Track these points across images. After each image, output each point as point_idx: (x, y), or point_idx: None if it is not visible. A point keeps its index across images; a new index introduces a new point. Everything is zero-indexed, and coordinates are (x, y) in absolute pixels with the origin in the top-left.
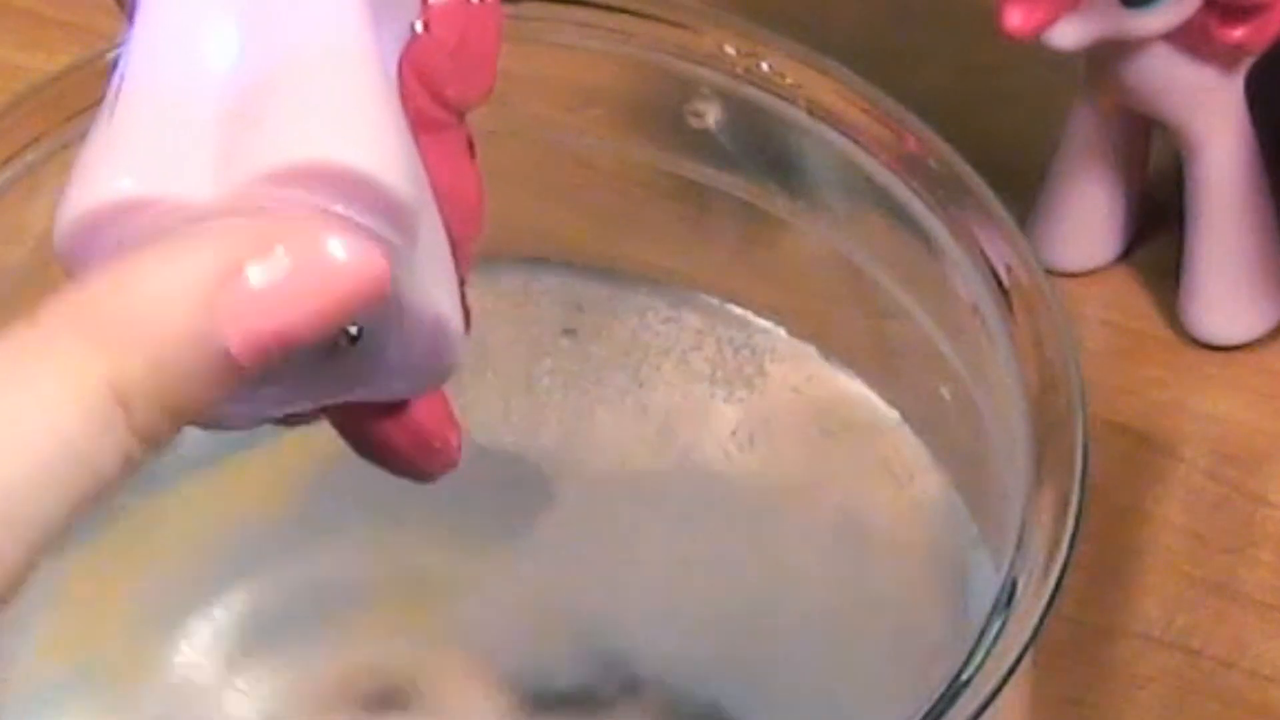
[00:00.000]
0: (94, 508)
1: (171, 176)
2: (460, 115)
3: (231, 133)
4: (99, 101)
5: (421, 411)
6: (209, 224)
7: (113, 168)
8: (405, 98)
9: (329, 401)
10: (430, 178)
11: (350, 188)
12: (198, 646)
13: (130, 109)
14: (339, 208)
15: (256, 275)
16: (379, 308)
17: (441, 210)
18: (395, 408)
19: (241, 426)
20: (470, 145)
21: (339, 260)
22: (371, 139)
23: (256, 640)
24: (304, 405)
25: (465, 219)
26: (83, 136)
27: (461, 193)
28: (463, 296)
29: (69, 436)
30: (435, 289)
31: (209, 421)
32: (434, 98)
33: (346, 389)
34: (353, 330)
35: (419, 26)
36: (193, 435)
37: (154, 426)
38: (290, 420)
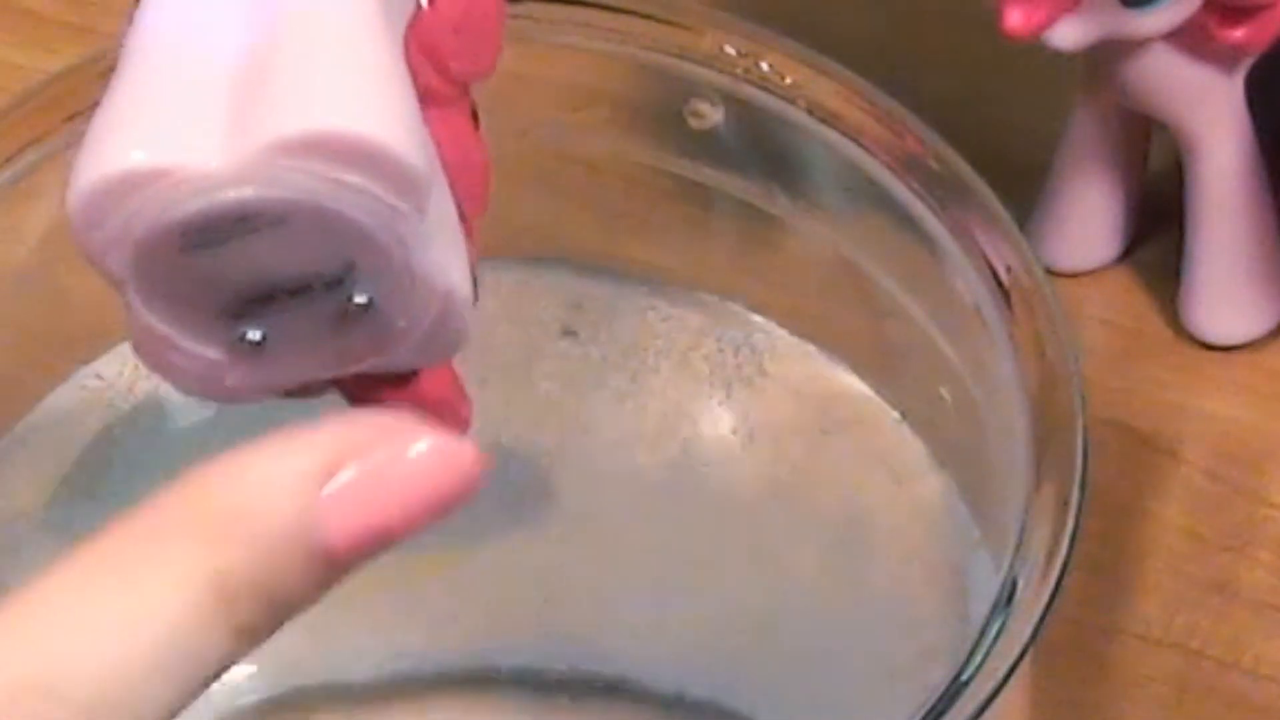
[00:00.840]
0: (198, 696)
1: (182, 147)
2: (465, 89)
3: (241, 104)
4: (99, 102)
5: (431, 384)
6: (315, 424)
7: (123, 139)
8: (411, 72)
9: (339, 373)
10: (438, 151)
11: (361, 158)
12: None
13: (139, 80)
14: (350, 177)
15: (358, 473)
16: (390, 278)
17: (450, 182)
18: (405, 380)
19: (252, 398)
20: (474, 118)
21: (435, 458)
22: (381, 109)
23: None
24: (314, 376)
25: (473, 191)
26: (83, 136)
27: (468, 165)
28: (472, 267)
29: (176, 631)
30: (445, 258)
31: (222, 394)
32: (439, 72)
33: (357, 359)
34: (362, 299)
35: (424, 1)
36: (194, 435)
37: (254, 622)
38: (300, 393)
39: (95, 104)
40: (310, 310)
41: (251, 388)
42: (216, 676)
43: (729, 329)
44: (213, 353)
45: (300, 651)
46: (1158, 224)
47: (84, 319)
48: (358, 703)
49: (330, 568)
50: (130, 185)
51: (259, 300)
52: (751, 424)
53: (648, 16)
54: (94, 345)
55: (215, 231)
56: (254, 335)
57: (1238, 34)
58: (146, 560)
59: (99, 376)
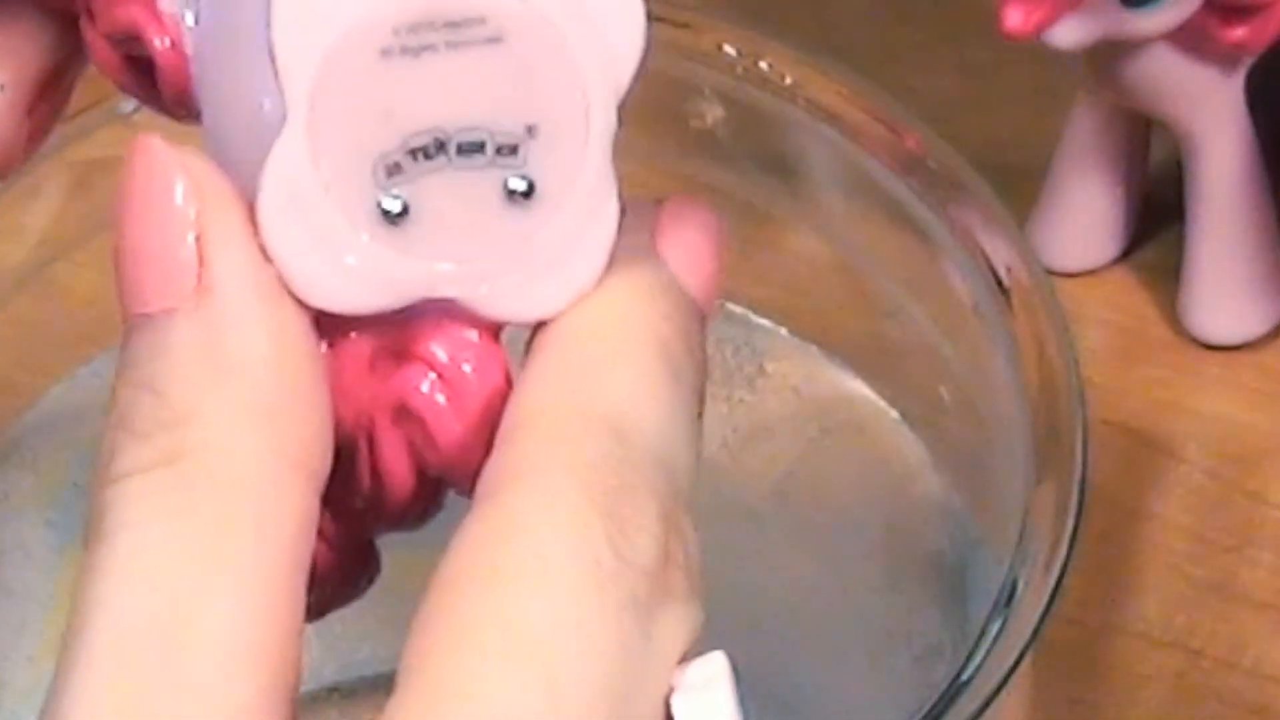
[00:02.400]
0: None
1: None
2: None
3: None
4: (99, 101)
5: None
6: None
7: None
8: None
9: (463, 291)
10: None
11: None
12: None
13: None
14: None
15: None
16: (565, 161)
17: None
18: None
19: (357, 309)
20: None
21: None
22: None
23: None
24: (433, 291)
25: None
26: (83, 136)
27: None
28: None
29: (666, 394)
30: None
31: (327, 299)
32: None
33: (507, 265)
34: (523, 184)
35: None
36: None
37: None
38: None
39: (95, 104)
40: (467, 182)
41: (367, 282)
42: (697, 445)
43: (729, 329)
44: (347, 215)
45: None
46: (1158, 224)
47: (84, 319)
48: (359, 703)
49: (700, 322)
50: None
51: (421, 155)
52: (751, 424)
53: (648, 16)
54: (94, 345)
55: (426, 31)
56: (393, 204)
57: (1238, 34)
58: (612, 350)
59: (99, 376)
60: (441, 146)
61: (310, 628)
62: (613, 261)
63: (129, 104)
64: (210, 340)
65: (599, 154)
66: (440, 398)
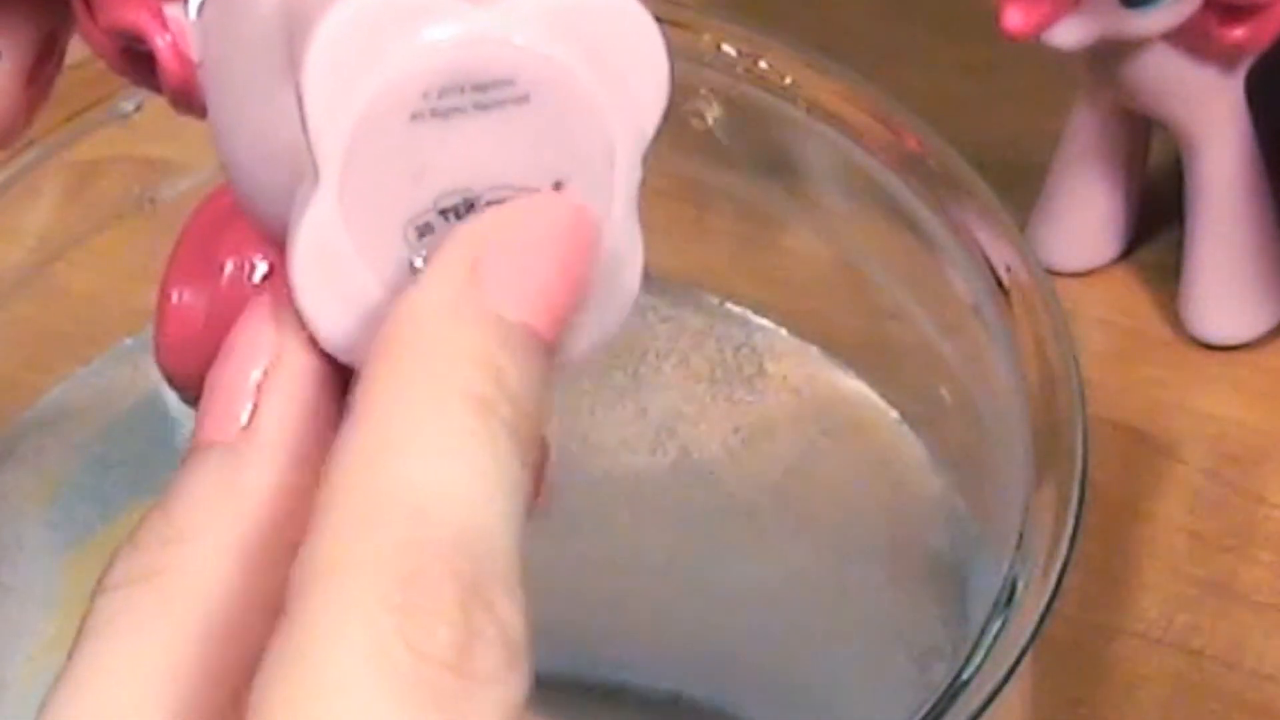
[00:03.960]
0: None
1: None
2: None
3: None
4: (99, 101)
5: None
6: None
7: None
8: None
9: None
10: None
11: (632, 40)
12: None
13: None
14: (614, 58)
15: (501, 259)
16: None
17: None
18: None
19: None
20: None
21: (556, 215)
22: None
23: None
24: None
25: None
26: (83, 136)
27: None
28: None
29: (475, 461)
30: (635, 224)
31: (355, 355)
32: None
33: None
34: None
35: None
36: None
37: (527, 432)
38: None
39: (95, 104)
40: None
41: None
42: (526, 491)
43: (729, 329)
44: (380, 277)
45: None
46: (1158, 224)
47: (84, 319)
48: None
49: (539, 352)
50: (394, 17)
51: (452, 214)
52: (751, 424)
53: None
54: (94, 345)
55: (455, 95)
56: (425, 264)
57: (1238, 34)
58: (413, 416)
59: (99, 376)
60: (471, 206)
61: None
62: (424, 293)
63: (129, 104)
64: (229, 473)
65: (625, 203)
66: None
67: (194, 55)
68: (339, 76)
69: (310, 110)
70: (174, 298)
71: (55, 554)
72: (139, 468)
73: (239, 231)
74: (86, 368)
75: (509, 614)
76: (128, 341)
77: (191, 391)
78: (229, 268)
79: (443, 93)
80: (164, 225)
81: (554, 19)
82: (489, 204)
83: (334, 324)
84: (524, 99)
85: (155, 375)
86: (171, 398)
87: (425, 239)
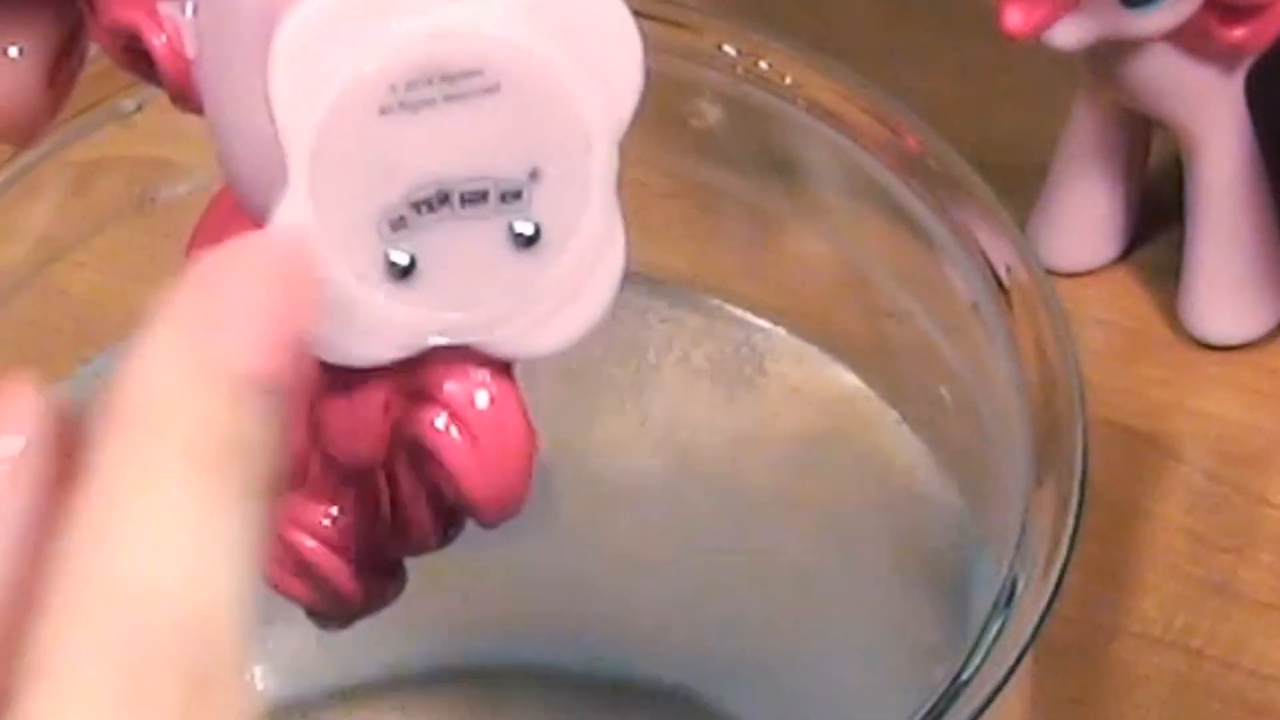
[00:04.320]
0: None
1: None
2: None
3: None
4: (99, 101)
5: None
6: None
7: None
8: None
9: (473, 337)
10: None
11: (604, 35)
12: None
13: None
14: (589, 44)
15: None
16: (568, 201)
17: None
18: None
19: (369, 362)
20: None
21: (264, 254)
22: None
23: (251, 640)
24: (446, 335)
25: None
26: (82, 136)
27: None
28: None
29: (197, 525)
30: (615, 216)
31: (341, 354)
32: None
33: (516, 308)
34: (529, 227)
35: None
36: None
37: (248, 476)
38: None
39: (95, 104)
40: (472, 231)
41: (378, 335)
42: (254, 542)
43: (729, 329)
44: (355, 272)
45: (304, 654)
46: (1158, 224)
47: (84, 319)
48: (360, 704)
49: (269, 395)
50: (358, 11)
51: (425, 207)
52: (751, 424)
53: (648, 16)
54: (94, 345)
55: (423, 87)
56: (400, 258)
57: (1238, 34)
58: (136, 488)
59: (99, 376)
60: (445, 198)
61: (310, 632)
62: (149, 352)
63: (129, 104)
64: None
65: (602, 192)
66: (455, 434)
67: (189, 53)
68: (305, 73)
69: (278, 107)
70: None
71: None
72: None
73: (249, 220)
74: (86, 368)
75: (231, 704)
76: (128, 342)
77: None
78: None
79: (411, 85)
80: (164, 225)
81: (523, 7)
82: (463, 195)
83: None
84: (494, 89)
85: None
86: None
87: (400, 232)
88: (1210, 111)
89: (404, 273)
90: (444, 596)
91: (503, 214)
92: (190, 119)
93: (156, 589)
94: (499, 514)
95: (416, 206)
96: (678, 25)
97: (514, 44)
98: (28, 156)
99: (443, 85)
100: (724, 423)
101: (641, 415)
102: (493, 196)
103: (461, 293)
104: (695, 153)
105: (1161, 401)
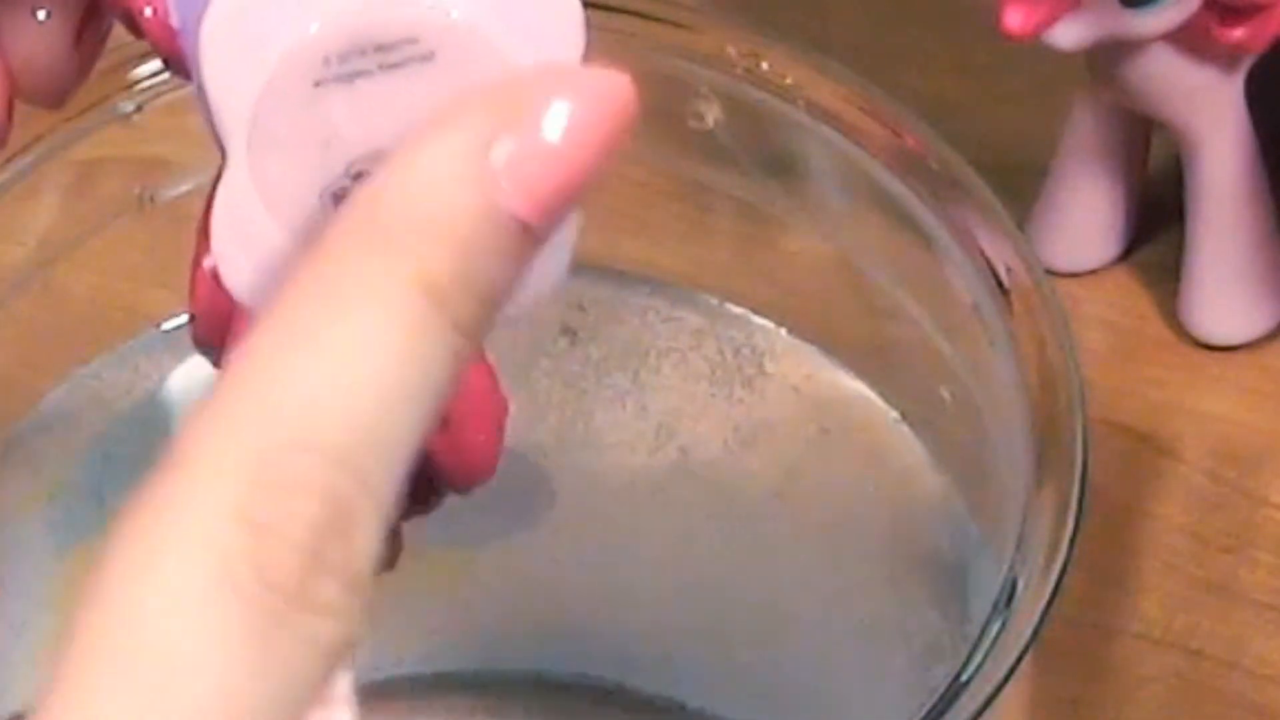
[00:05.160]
0: (441, 411)
1: None
2: None
3: None
4: (99, 101)
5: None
6: (452, 102)
7: None
8: None
9: None
10: None
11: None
12: None
13: None
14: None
15: (525, 135)
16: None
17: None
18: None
19: None
20: None
21: (589, 101)
22: None
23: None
24: None
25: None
26: (83, 136)
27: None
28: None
29: (402, 348)
30: None
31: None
32: None
33: None
34: None
35: None
36: None
37: (472, 315)
38: None
39: (95, 104)
40: None
41: None
42: (448, 393)
43: (729, 329)
44: (301, 246)
45: None
46: (1158, 224)
47: (84, 319)
48: (361, 705)
49: (529, 239)
50: None
51: (365, 179)
52: (751, 424)
53: (648, 16)
54: (94, 345)
55: (357, 58)
56: None
57: (1238, 34)
58: (347, 289)
59: (99, 376)
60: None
61: None
62: (414, 145)
63: (129, 104)
64: None
65: None
66: None
67: (174, 23)
68: (236, 49)
69: (210, 84)
70: (204, 264)
71: (55, 554)
72: (139, 468)
73: None
74: (86, 368)
75: (363, 547)
76: (128, 342)
77: (216, 357)
78: None
79: (344, 57)
80: (164, 225)
81: None
82: None
83: (255, 293)
84: (429, 57)
85: (155, 376)
86: (172, 397)
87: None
88: (1210, 111)
89: None
90: (443, 598)
91: None
92: (190, 119)
93: (316, 404)
94: (469, 480)
95: (358, 179)
96: (678, 25)
97: (445, 11)
98: (28, 156)
99: (377, 55)
100: (724, 423)
101: (641, 415)
102: None
103: None
104: (695, 153)
105: (1161, 401)
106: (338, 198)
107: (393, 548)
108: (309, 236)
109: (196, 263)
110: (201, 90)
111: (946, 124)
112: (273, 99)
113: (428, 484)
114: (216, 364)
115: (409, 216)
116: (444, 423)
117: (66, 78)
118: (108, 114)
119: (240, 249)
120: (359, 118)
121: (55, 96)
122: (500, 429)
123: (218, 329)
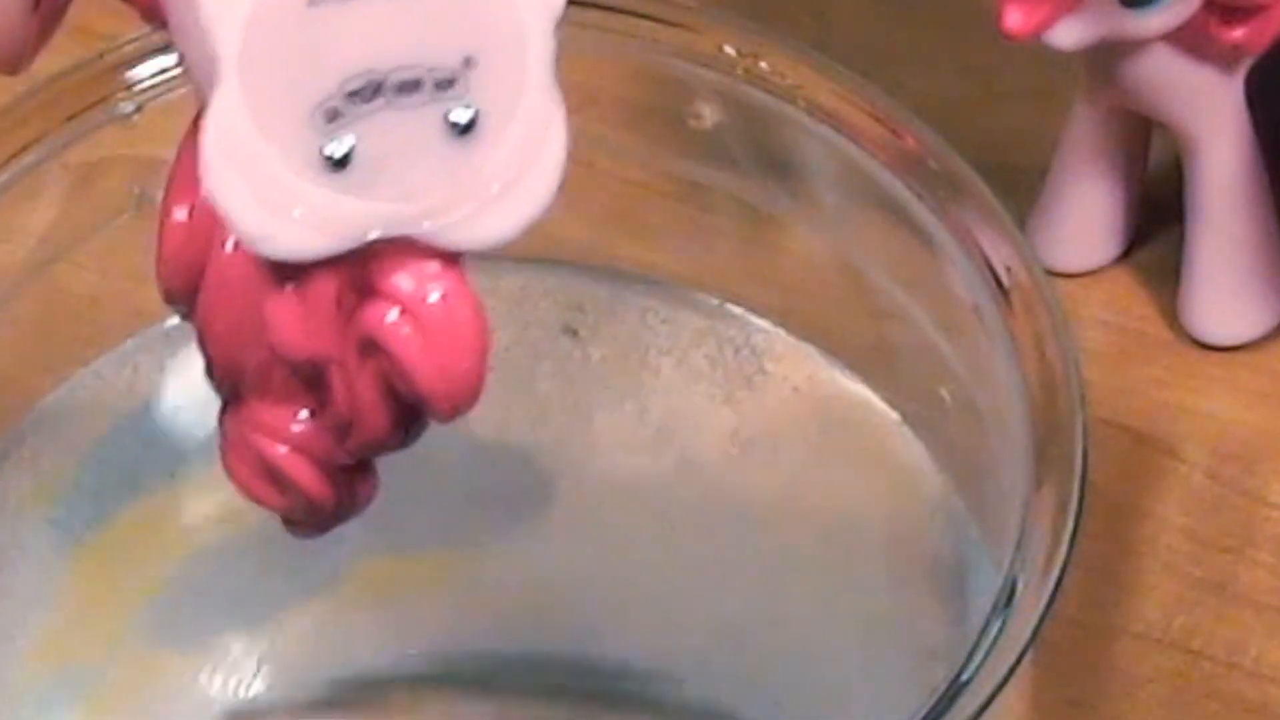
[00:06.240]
0: None
1: None
2: None
3: None
4: (99, 101)
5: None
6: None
7: None
8: None
9: (410, 228)
10: None
11: None
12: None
13: None
14: None
15: None
16: (506, 88)
17: None
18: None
19: (310, 255)
20: None
21: None
22: None
23: (250, 638)
24: (387, 229)
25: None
26: (83, 136)
27: None
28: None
29: None
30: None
31: (281, 248)
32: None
33: (459, 197)
34: (465, 115)
35: None
36: (190, 436)
37: None
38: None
39: (95, 104)
40: (407, 120)
41: (317, 228)
42: None
43: (729, 329)
44: (291, 165)
45: (303, 654)
46: (1158, 224)
47: (84, 319)
48: (358, 705)
49: None
50: None
51: (358, 98)
52: (751, 424)
53: (648, 16)
54: (94, 345)
55: None
56: (336, 149)
57: (1238, 34)
58: None
59: (99, 376)
60: (379, 88)
61: (295, 638)
62: None
63: (129, 104)
64: None
65: (540, 77)
66: (407, 330)
67: None
68: None
69: (203, 4)
70: (175, 215)
71: (55, 554)
72: (139, 468)
73: None
74: (86, 368)
75: None
76: (128, 342)
77: (187, 308)
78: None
79: None
80: None
81: None
82: (396, 84)
83: (249, 215)
84: None
85: (155, 376)
86: (166, 399)
87: (335, 123)
88: (1210, 111)
89: (340, 164)
90: (440, 599)
91: (438, 102)
92: (189, 120)
93: None
94: (453, 407)
95: (350, 97)
96: (678, 25)
97: None
98: (28, 157)
99: None
100: (724, 423)
101: (641, 416)
102: (427, 85)
103: (400, 183)
104: (695, 153)
105: (1161, 401)
106: (330, 116)
107: (368, 486)
108: (297, 159)
109: (165, 213)
110: (187, 19)
111: (946, 124)
112: (265, 16)
113: (411, 411)
114: (186, 317)
115: None
116: (427, 350)
117: (23, 42)
118: (107, 114)
119: (234, 172)
120: (351, 35)
121: (12, 62)
122: (483, 356)
123: (189, 281)
